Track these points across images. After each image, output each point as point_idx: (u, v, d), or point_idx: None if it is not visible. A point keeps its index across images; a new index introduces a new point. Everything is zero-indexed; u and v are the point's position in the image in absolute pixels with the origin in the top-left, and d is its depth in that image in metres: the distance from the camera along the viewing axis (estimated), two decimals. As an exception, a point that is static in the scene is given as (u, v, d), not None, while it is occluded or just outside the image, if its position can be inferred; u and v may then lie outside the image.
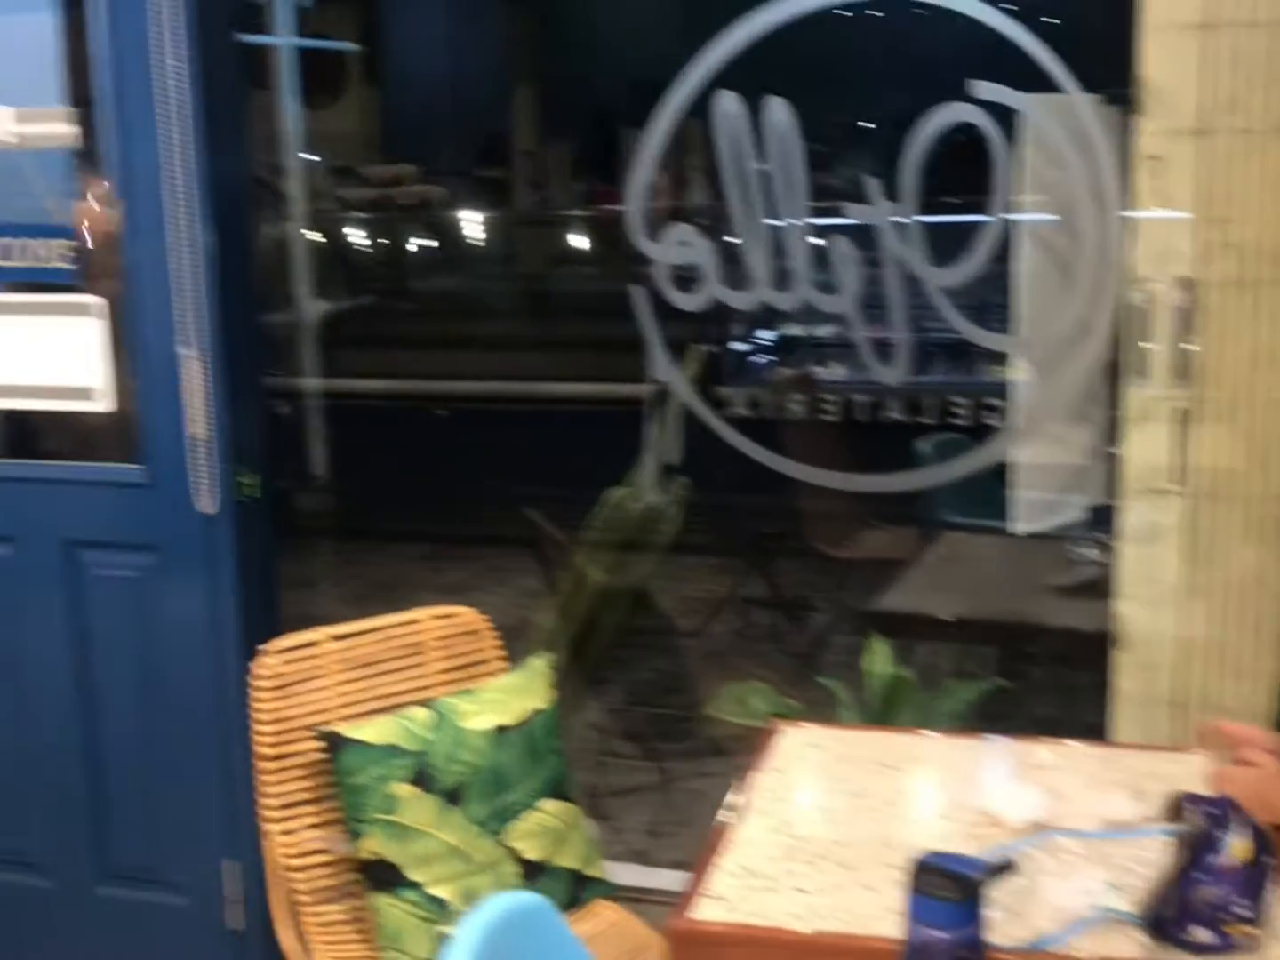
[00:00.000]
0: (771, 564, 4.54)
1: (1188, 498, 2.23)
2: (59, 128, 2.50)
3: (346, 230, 6.37)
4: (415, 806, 2.07)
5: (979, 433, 2.82)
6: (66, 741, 2.66)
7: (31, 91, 3.52)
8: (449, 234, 6.55)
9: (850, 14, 2.45)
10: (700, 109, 2.45)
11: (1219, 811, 1.39)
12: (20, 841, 2.74)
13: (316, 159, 5.94)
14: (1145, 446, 2.25)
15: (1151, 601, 2.28)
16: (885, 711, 2.65)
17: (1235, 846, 1.37)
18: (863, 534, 3.83)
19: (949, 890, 1.29)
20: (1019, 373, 2.67)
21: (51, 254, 2.48)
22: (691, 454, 3.76)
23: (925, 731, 2.07)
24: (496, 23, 7.91)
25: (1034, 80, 2.32)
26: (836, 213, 2.49)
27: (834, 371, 4.84)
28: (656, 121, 2.49)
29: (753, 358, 5.31)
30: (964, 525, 3.51)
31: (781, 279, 2.52)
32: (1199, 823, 1.39)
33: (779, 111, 2.46)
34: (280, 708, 2.11)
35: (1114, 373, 2.32)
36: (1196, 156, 2.14)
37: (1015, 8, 2.34)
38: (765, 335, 5.32)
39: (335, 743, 2.09)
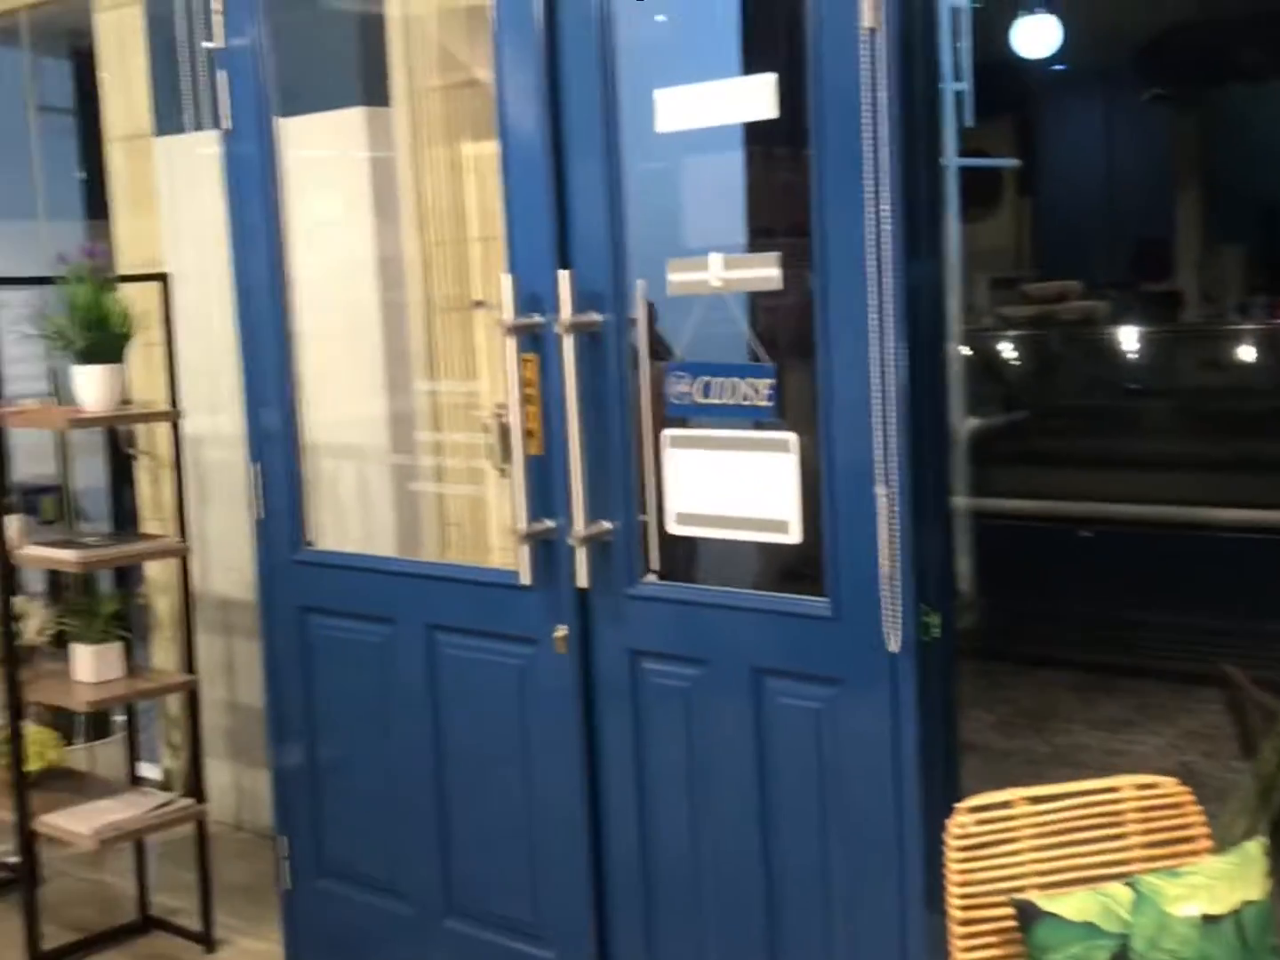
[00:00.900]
0: None
1: None
2: (766, 271, 2.60)
3: (1000, 345, 6.31)
4: (1116, 996, 1.92)
5: None
6: (742, 850, 2.73)
7: (723, 230, 3.75)
8: (1103, 348, 6.33)
9: None
10: None
11: None
12: (696, 949, 2.83)
13: (972, 273, 5.94)
14: None
15: None
16: None
17: None
18: None
19: None
20: None
21: (756, 393, 2.58)
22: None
23: None
24: (1157, 127, 7.62)
25: None
26: None
27: None
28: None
29: None
30: None
31: None
32: None
33: None
34: (972, 869, 2.04)
35: None
36: None
37: None
38: None
39: (1029, 914, 1.99)
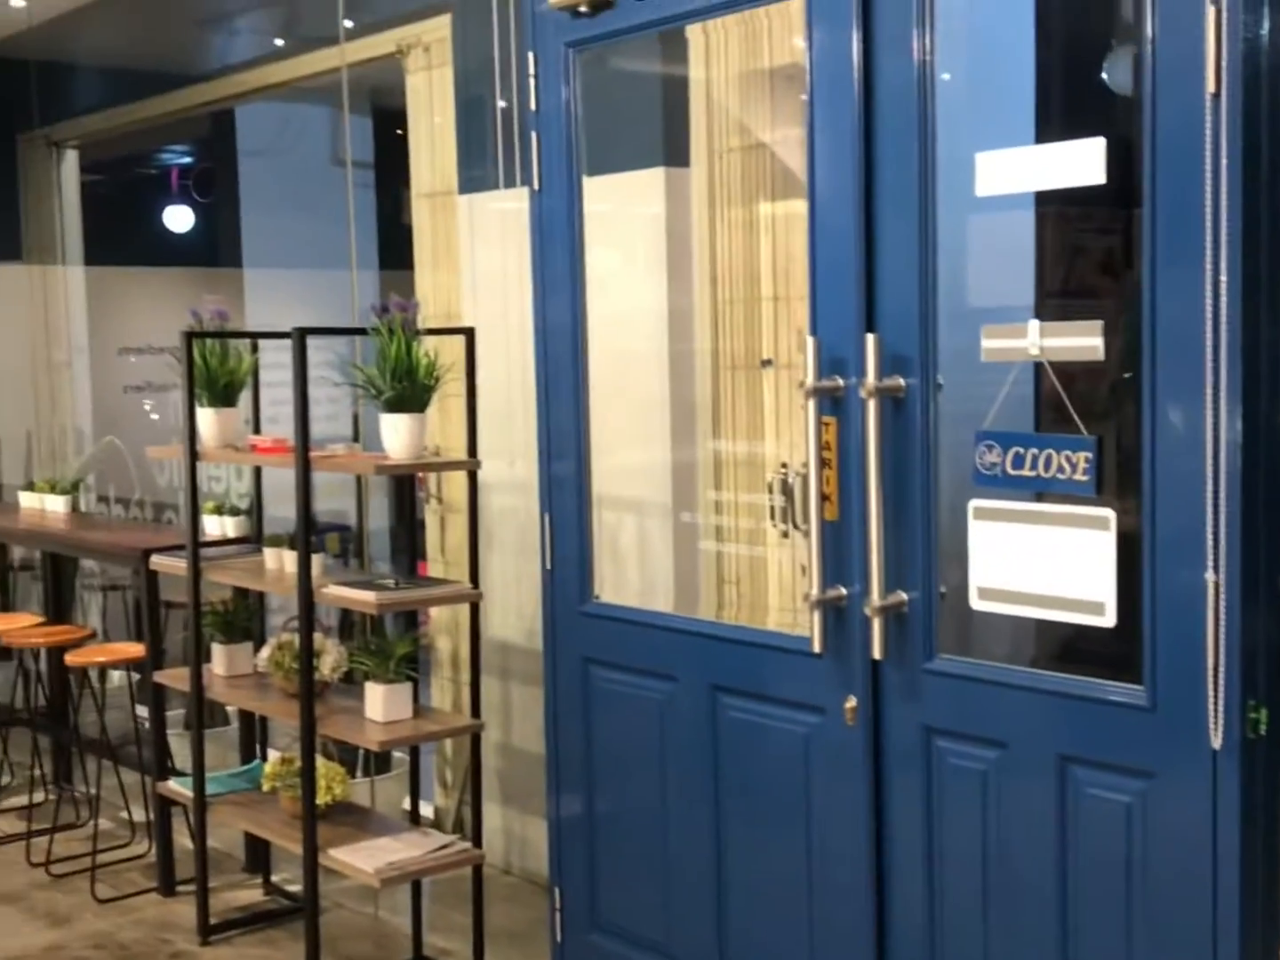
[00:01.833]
0: None
1: None
2: (1087, 340, 2.50)
3: None
4: None
5: None
6: (1036, 940, 2.60)
7: (1011, 292, 3.65)
8: None
9: None
10: None
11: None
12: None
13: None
14: None
15: None
16: None
17: None
18: None
19: None
20: None
21: (1073, 466, 2.48)
22: None
23: None
24: None
25: None
26: None
27: None
28: None
29: None
30: None
31: None
32: None
33: None
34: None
35: None
36: None
37: None
38: None
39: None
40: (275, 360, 4.63)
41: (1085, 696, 2.52)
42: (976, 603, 2.69)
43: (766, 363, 3.89)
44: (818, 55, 2.84)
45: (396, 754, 4.97)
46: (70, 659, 4.74)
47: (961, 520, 2.70)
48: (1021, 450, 2.59)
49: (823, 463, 2.84)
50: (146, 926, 4.30)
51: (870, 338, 2.72)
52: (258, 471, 4.54)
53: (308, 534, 3.72)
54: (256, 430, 4.43)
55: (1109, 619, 2.48)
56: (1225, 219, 2.26)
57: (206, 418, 4.12)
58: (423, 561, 5.81)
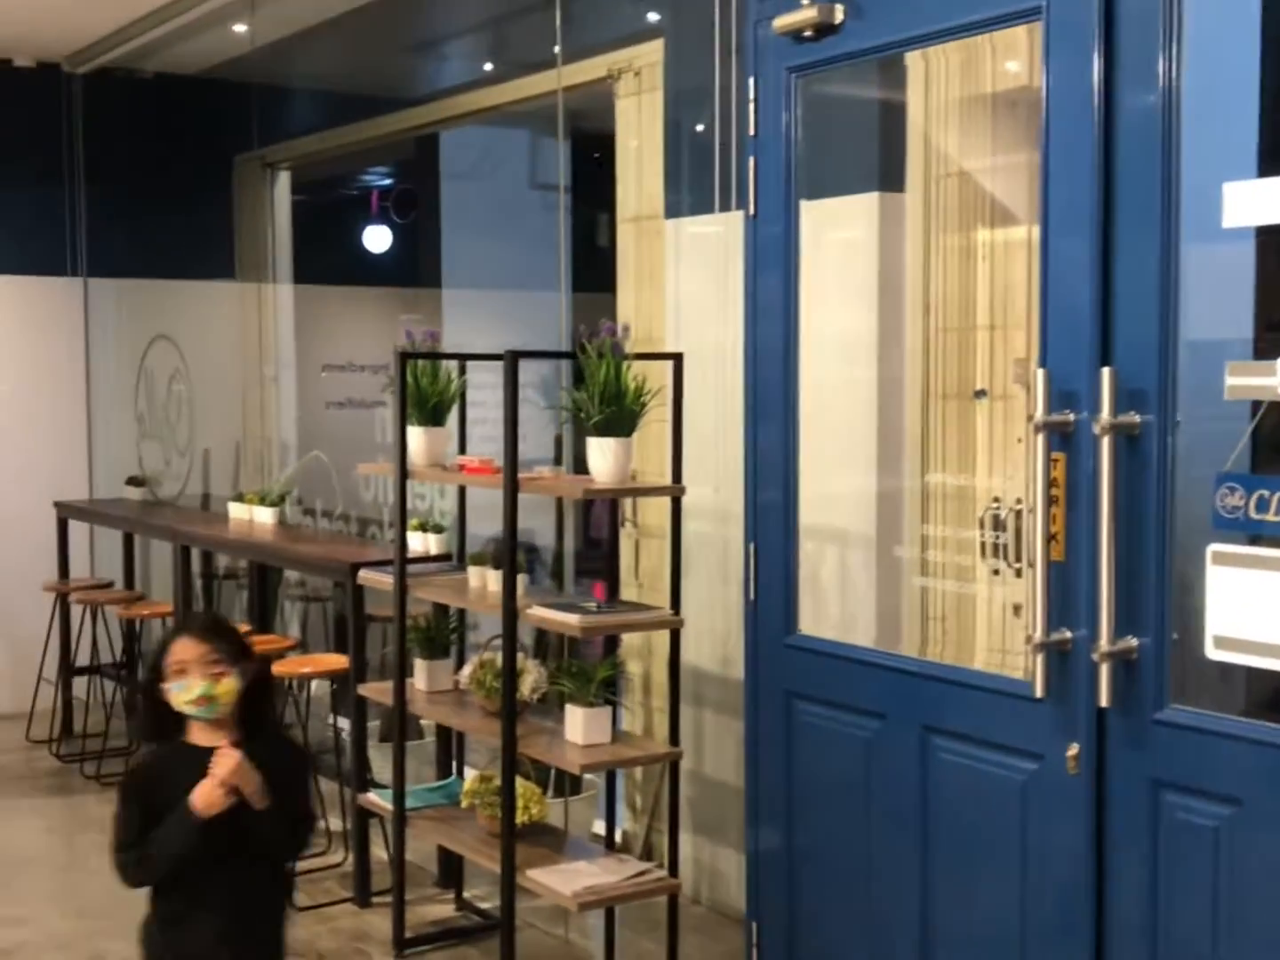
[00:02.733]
0: None
1: None
2: (1344, 379, 2.37)
3: None
4: None
5: None
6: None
7: (1227, 323, 3.49)
8: None
9: None
10: None
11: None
12: None
13: None
14: None
15: None
16: None
17: None
18: None
19: None
20: None
21: (1328, 513, 2.34)
22: None
23: None
24: None
25: None
26: None
27: None
28: None
29: None
30: None
31: None
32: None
33: None
34: None
35: None
36: None
37: None
38: None
39: None
40: (476, 380, 4.70)
41: (1337, 756, 2.38)
42: (1212, 652, 2.56)
43: (980, 393, 3.79)
44: (1055, 80, 2.75)
45: (587, 776, 4.98)
46: (277, 669, 4.85)
47: (1192, 564, 2.58)
48: (1267, 494, 2.46)
49: (1050, 500, 2.75)
50: (343, 936, 4.37)
51: (1106, 371, 2.62)
52: (462, 490, 4.60)
53: (513, 555, 3.74)
54: (462, 450, 4.49)
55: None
56: None
57: (416, 436, 4.19)
58: (598, 583, 5.83)
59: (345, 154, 7.30)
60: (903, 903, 3.13)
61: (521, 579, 3.92)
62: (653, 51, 4.68)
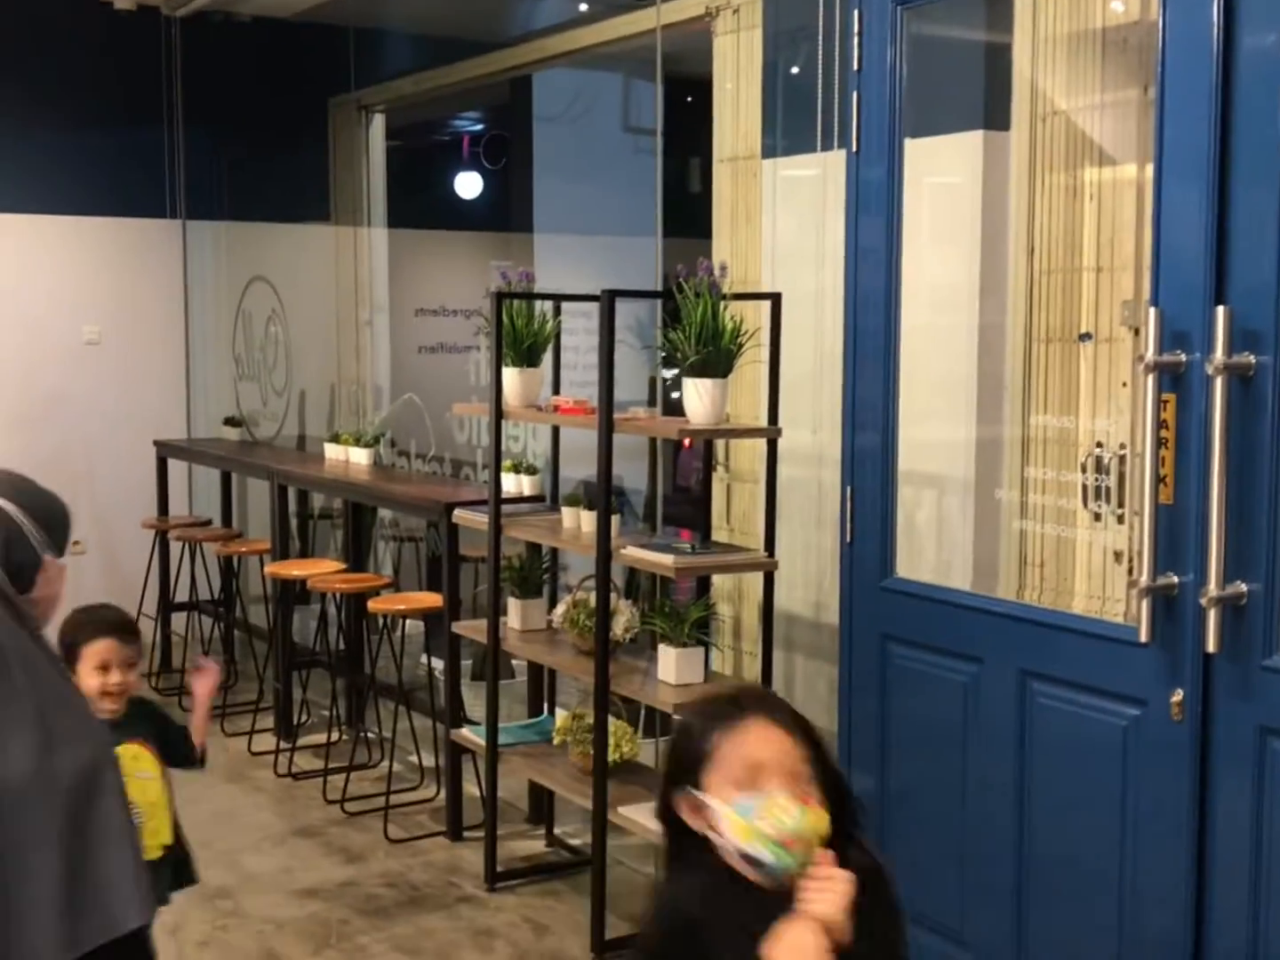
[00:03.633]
0: None
1: None
2: None
3: None
4: None
5: None
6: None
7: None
8: None
9: None
10: None
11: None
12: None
13: None
14: None
15: None
16: None
17: None
18: None
19: None
20: None
21: None
22: None
23: None
24: None
25: None
26: None
27: None
28: None
29: None
30: None
31: None
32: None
33: None
34: None
35: None
36: None
37: None
38: None
39: None
40: (567, 325, 4.69)
41: None
42: (1325, 598, 2.51)
43: (1085, 336, 3.72)
44: (1172, 17, 2.68)
45: (676, 717, 5.00)
46: (373, 605, 4.92)
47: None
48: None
49: (1159, 442, 2.69)
50: (435, 869, 4.44)
51: (1221, 310, 2.56)
52: (555, 432, 4.61)
53: (608, 495, 3.75)
54: (556, 391, 4.49)
55: None
56: None
57: (511, 377, 4.20)
58: (684, 530, 5.82)
59: (438, 97, 7.30)
60: (997, 849, 3.11)
61: (615, 520, 3.93)
62: (752, -12, 4.61)
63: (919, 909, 3.32)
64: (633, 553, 3.72)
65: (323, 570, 5.40)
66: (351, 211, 7.30)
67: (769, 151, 4.59)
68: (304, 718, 5.79)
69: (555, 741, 4.13)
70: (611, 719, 3.92)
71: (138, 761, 2.95)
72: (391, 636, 5.17)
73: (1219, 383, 2.56)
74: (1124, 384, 3.60)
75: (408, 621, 5.71)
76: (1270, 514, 2.56)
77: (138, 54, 7.28)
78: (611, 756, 3.82)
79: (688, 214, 5.70)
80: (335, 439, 6.10)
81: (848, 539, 3.49)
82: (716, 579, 4.84)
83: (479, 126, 9.00)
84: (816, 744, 1.76)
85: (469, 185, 8.68)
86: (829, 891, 1.63)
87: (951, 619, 3.24)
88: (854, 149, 3.37)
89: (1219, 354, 2.55)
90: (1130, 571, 3.39)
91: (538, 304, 4.32)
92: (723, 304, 3.62)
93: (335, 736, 5.40)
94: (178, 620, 6.87)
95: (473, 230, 8.31)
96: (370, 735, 5.44)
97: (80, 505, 7.23)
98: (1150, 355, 2.67)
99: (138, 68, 7.29)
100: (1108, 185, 3.66)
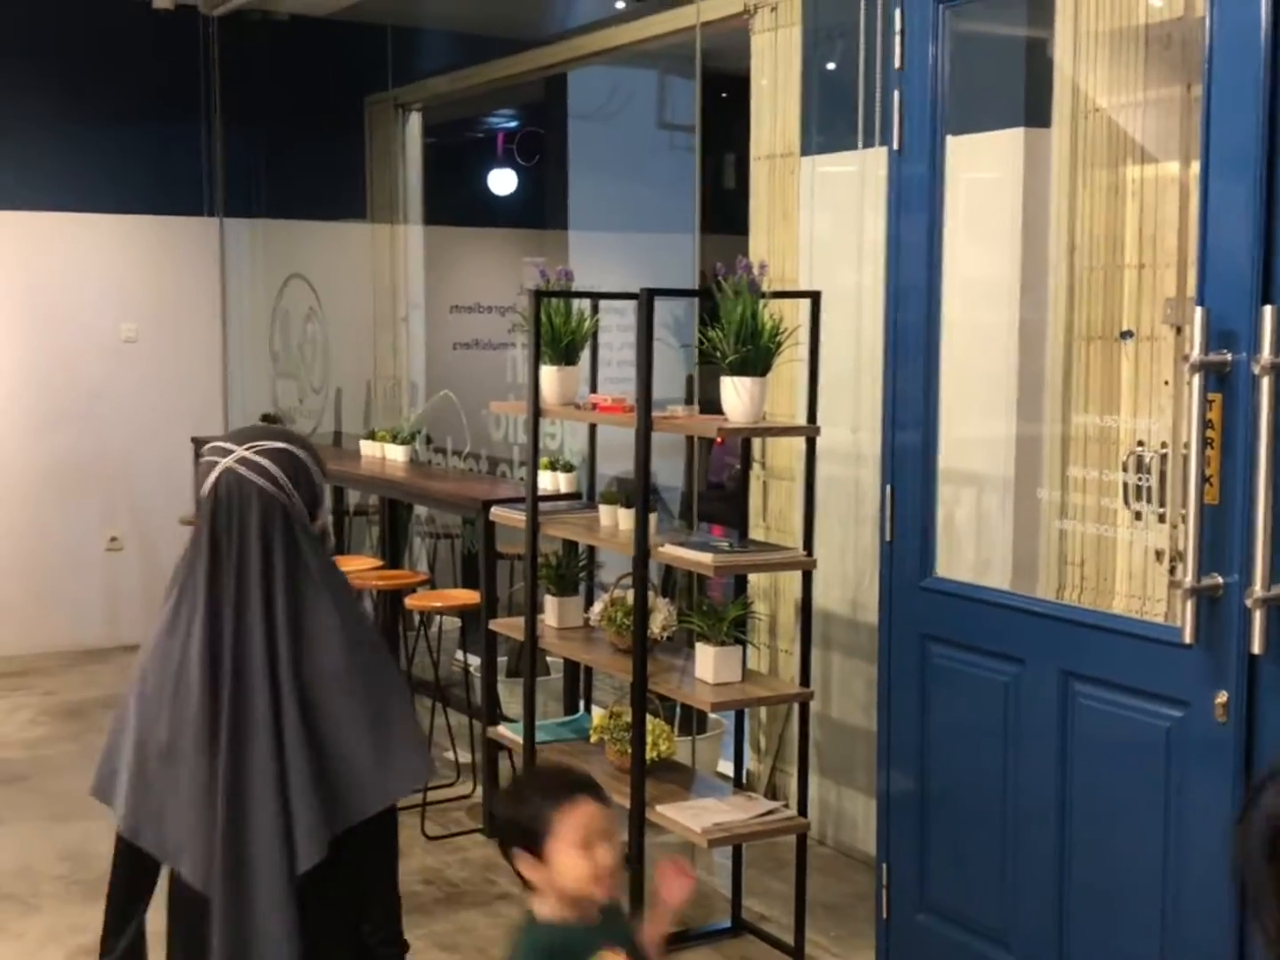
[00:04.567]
0: None
1: None
2: None
3: None
4: None
5: None
6: None
7: None
8: None
9: None
10: None
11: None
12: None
13: None
14: None
15: None
16: None
17: None
18: None
19: None
20: None
21: None
22: None
23: None
24: None
25: None
26: None
27: None
28: None
29: None
30: None
31: None
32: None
33: None
34: None
35: None
36: None
37: None
38: None
39: None
40: (603, 322, 4.69)
41: None
42: (1375, 600, 2.49)
43: (1127, 334, 3.70)
44: (1219, 14, 2.66)
45: (712, 715, 4.99)
46: (410, 602, 4.93)
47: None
48: None
49: (1205, 442, 2.67)
50: (473, 866, 4.46)
51: (1268, 310, 2.54)
52: (592, 430, 4.62)
53: (646, 493, 3.75)
54: (593, 389, 4.50)
55: None
56: None
57: (548, 375, 4.20)
58: (715, 526, 5.81)
59: (473, 95, 7.32)
60: (1038, 849, 3.10)
61: (652, 518, 3.93)
62: (791, -14, 4.60)
63: (960, 909, 3.32)
64: (671, 551, 3.72)
65: (359, 567, 5.42)
66: (387, 208, 7.33)
67: (808, 148, 4.58)
68: (340, 713, 5.79)
69: (592, 739, 4.13)
70: (649, 717, 3.92)
71: None
72: (428, 633, 5.19)
73: (1265, 382, 2.54)
74: (1166, 382, 3.58)
75: (444, 618, 5.72)
76: (1317, 515, 2.55)
77: (176, 53, 7.32)
78: (649, 754, 3.82)
79: (721, 210, 5.70)
80: (372, 436, 6.12)
81: (888, 538, 3.48)
82: (752, 576, 4.84)
83: (513, 123, 9.02)
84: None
85: (502, 182, 8.69)
86: None
87: (992, 619, 3.23)
88: (895, 147, 3.36)
89: (1266, 353, 2.53)
90: (1172, 571, 3.36)
91: (575, 301, 4.32)
92: (762, 302, 3.61)
93: (371, 732, 5.39)
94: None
95: (506, 227, 8.33)
96: (406, 731, 5.44)
97: (118, 501, 7.37)
98: (1196, 355, 2.65)
99: (176, 66, 7.33)
100: (1150, 182, 3.63)
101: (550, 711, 4.96)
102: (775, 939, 3.87)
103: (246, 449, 2.05)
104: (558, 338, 4.21)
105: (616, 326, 5.57)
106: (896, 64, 3.33)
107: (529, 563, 4.25)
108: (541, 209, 8.21)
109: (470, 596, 4.94)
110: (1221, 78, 2.66)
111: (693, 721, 4.81)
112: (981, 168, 3.92)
